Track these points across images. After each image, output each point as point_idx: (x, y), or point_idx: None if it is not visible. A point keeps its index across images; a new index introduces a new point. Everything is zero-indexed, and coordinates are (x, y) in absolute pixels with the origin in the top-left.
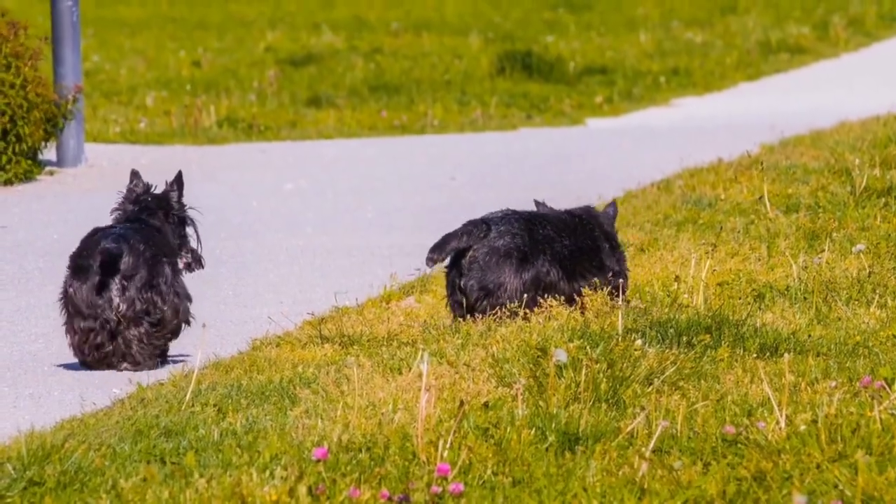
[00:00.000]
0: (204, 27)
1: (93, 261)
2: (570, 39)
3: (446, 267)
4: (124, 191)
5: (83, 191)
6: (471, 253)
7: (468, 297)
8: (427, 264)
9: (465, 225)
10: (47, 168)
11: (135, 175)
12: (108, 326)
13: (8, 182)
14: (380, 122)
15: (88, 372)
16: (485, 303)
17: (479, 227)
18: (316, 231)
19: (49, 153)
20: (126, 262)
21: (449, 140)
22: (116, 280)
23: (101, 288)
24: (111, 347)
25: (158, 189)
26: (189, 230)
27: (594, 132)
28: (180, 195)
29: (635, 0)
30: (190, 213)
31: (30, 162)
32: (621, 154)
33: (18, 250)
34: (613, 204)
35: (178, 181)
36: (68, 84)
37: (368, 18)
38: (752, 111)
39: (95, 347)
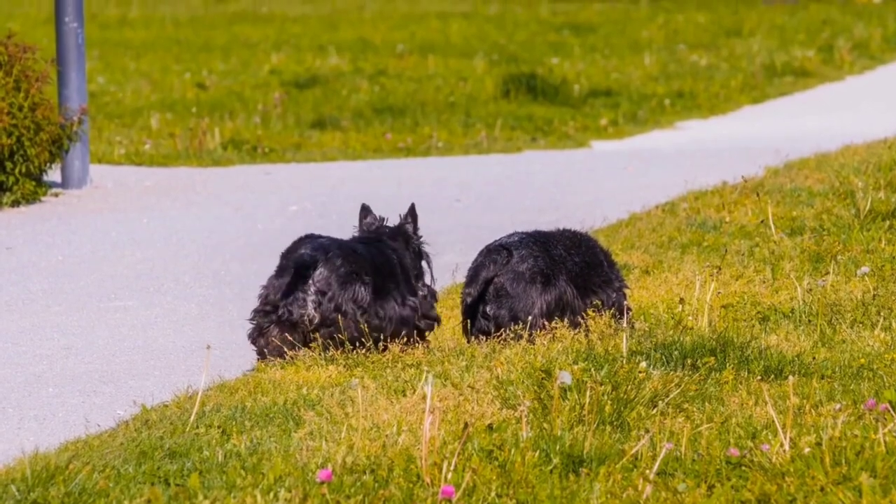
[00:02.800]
0: (209, 49)
1: (290, 262)
2: (574, 62)
3: (465, 294)
4: (359, 225)
5: (88, 212)
6: (496, 280)
7: (497, 324)
8: (466, 300)
9: (486, 253)
10: (52, 189)
11: (366, 209)
12: (296, 327)
13: (14, 203)
14: (384, 144)
15: (93, 393)
16: (513, 328)
17: (500, 254)
18: None
19: (54, 174)
20: (320, 274)
21: (453, 162)
22: (312, 291)
23: (290, 291)
24: (291, 342)
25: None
26: (423, 264)
27: (599, 155)
28: (415, 227)
29: (640, 23)
30: (425, 248)
31: (35, 183)
32: (626, 177)
33: (23, 271)
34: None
35: (412, 213)
36: (73, 106)
37: (373, 40)
38: (756, 134)
39: (273, 345)
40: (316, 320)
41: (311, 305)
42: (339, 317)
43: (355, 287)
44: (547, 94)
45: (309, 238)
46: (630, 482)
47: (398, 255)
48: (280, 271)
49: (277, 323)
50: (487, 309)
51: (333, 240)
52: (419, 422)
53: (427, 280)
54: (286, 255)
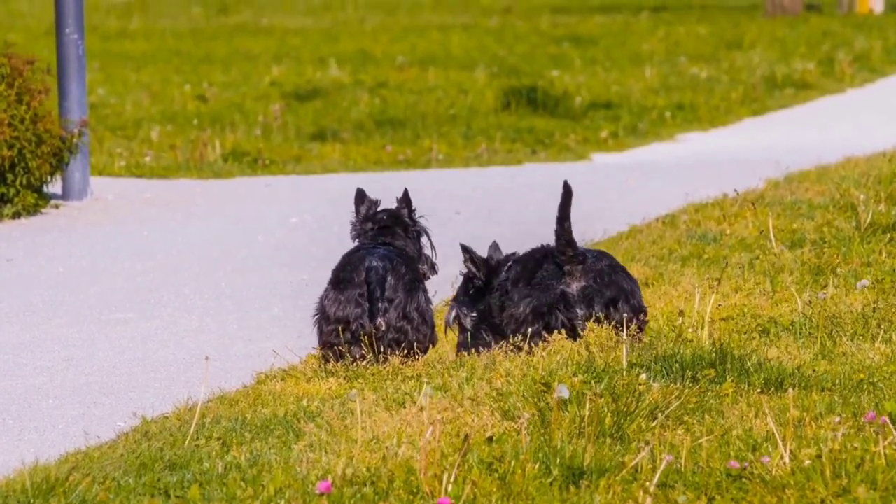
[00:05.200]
0: (209, 61)
1: (355, 275)
2: (575, 74)
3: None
4: (355, 213)
5: (88, 224)
6: (583, 283)
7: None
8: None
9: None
10: (53, 201)
11: (361, 195)
12: (358, 335)
13: (15, 215)
14: (384, 156)
15: (93, 405)
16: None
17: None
18: (321, 265)
19: (54, 186)
20: (389, 283)
21: (454, 175)
22: (380, 298)
23: (369, 303)
24: (356, 351)
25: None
26: (423, 240)
27: (599, 167)
28: (410, 211)
29: (641, 35)
30: (422, 221)
31: (36, 195)
32: (626, 189)
33: (24, 283)
34: None
35: (406, 198)
36: (74, 118)
37: (374, 53)
38: (757, 146)
39: (340, 353)
40: (382, 328)
41: (392, 332)
42: (406, 324)
43: (419, 294)
44: (547, 106)
45: (362, 250)
46: (630, 494)
47: (408, 249)
48: (338, 284)
49: (353, 339)
50: (577, 310)
51: (386, 252)
52: (419, 434)
53: (428, 252)
54: (343, 269)
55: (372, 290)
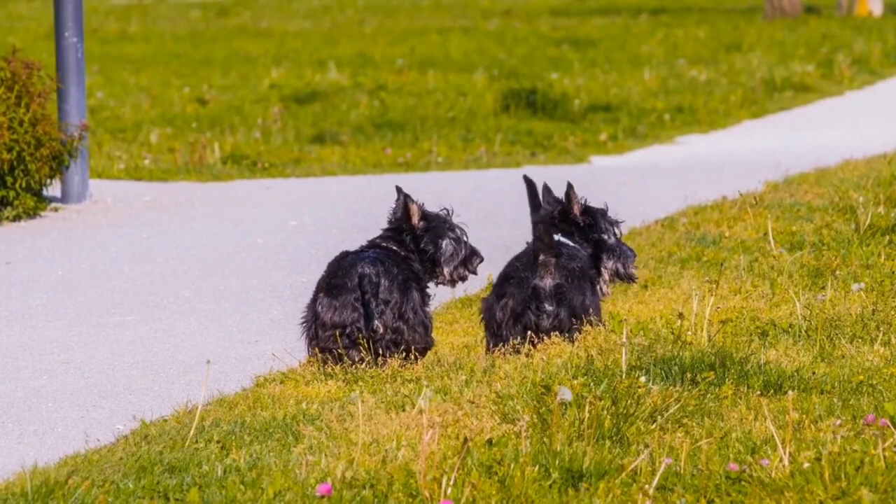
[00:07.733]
0: (208, 64)
1: (348, 279)
2: (574, 77)
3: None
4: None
5: (88, 227)
6: (550, 281)
7: (557, 322)
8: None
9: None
10: (52, 204)
11: (398, 191)
12: (355, 338)
13: (15, 218)
14: (384, 159)
15: (92, 408)
16: (575, 326)
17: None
18: (320, 268)
19: (54, 189)
20: (383, 285)
21: (453, 177)
22: (378, 302)
23: (364, 307)
24: (353, 355)
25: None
26: (443, 242)
27: (598, 170)
28: (408, 216)
29: (640, 38)
30: (435, 223)
31: (35, 198)
32: (625, 192)
33: (23, 286)
34: None
35: (402, 202)
36: (73, 121)
37: (373, 55)
38: (756, 149)
39: (337, 355)
40: (380, 331)
41: (376, 317)
42: (403, 324)
43: (412, 293)
44: (546, 109)
45: (352, 254)
46: (629, 497)
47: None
48: (330, 290)
49: (350, 342)
50: (547, 306)
51: (376, 254)
52: (419, 437)
53: (445, 255)
54: (333, 274)
55: (367, 301)
